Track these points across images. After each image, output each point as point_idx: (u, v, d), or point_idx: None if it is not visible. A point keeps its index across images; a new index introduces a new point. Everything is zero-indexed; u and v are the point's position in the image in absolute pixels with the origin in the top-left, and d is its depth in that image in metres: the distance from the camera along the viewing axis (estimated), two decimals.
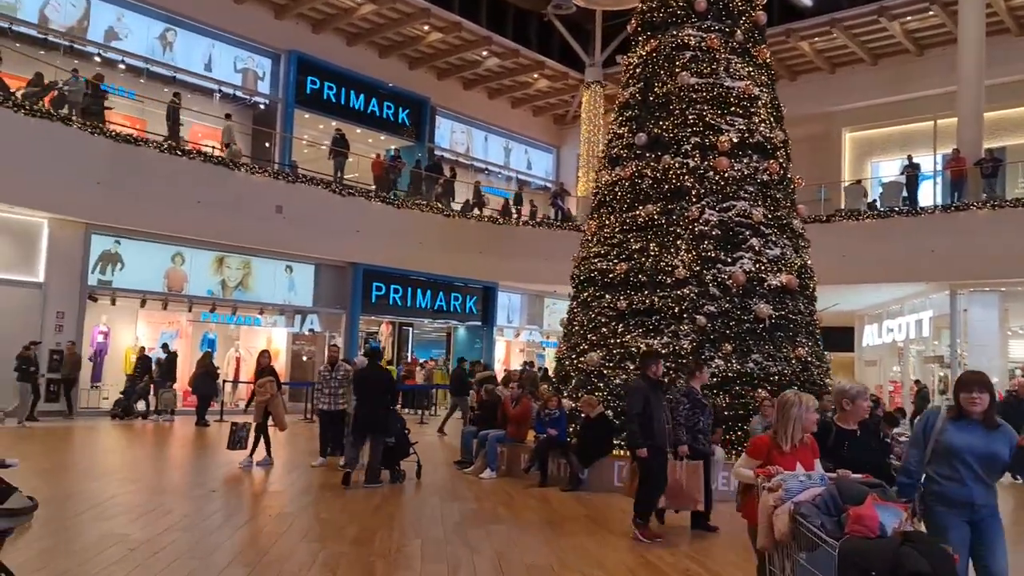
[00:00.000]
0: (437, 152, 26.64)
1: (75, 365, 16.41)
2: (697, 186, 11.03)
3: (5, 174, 14.85)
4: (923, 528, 4.05)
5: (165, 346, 18.01)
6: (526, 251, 23.17)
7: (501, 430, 11.17)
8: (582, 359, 11.31)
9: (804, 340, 10.90)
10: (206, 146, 19.48)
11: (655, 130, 11.51)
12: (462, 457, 11.87)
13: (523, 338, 27.17)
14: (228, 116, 20.37)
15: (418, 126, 26.22)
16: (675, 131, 11.32)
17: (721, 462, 9.59)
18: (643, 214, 11.24)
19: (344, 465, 9.99)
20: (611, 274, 11.33)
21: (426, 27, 24.11)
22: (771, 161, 11.28)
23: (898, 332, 22.93)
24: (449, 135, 27.92)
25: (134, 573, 5.60)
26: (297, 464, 11.48)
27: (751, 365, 10.38)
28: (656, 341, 10.65)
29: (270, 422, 11.32)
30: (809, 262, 11.50)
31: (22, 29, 18.54)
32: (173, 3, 20.54)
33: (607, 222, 11.78)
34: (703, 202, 10.95)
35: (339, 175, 21.43)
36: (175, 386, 17.65)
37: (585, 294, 11.75)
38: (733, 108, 11.30)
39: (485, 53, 25.54)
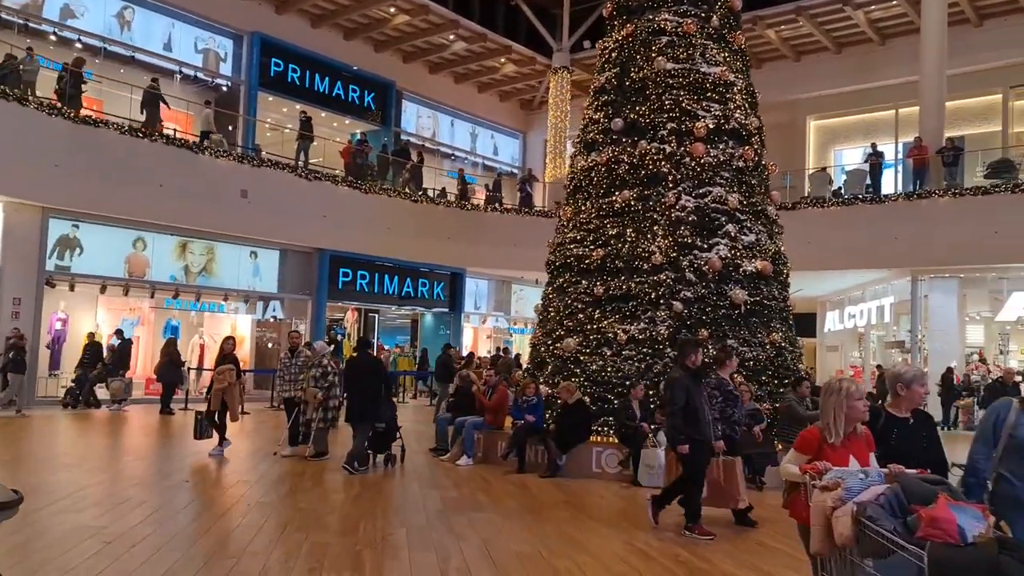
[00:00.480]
0: (403, 137, 26.36)
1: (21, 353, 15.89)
2: (673, 172, 11.03)
3: None
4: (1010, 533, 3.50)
5: (119, 332, 17.53)
6: (494, 237, 23.10)
7: (477, 417, 11.10)
8: (558, 345, 11.28)
9: (778, 326, 10.99)
10: (168, 128, 18.98)
11: (631, 115, 11.47)
12: (437, 444, 11.78)
13: (489, 324, 27.10)
14: (208, 103, 19.97)
15: (384, 110, 25.90)
16: (651, 116, 11.30)
17: None
18: (619, 200, 11.22)
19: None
20: (587, 260, 11.30)
21: (392, 9, 23.78)
22: (746, 147, 11.32)
23: (860, 318, 23.35)
24: (415, 119, 27.62)
25: (114, 567, 5.42)
26: (267, 453, 11.28)
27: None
28: (633, 327, 10.66)
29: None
30: (783, 248, 11.58)
31: None
32: None
33: (583, 208, 11.73)
34: (679, 188, 10.96)
35: (304, 159, 21.07)
36: (128, 374, 17.17)
37: (561, 280, 11.70)
38: (709, 94, 11.31)
39: (452, 37, 25.28)
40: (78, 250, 17.34)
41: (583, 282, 11.31)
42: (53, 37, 19.05)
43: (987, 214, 17.63)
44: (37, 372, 16.44)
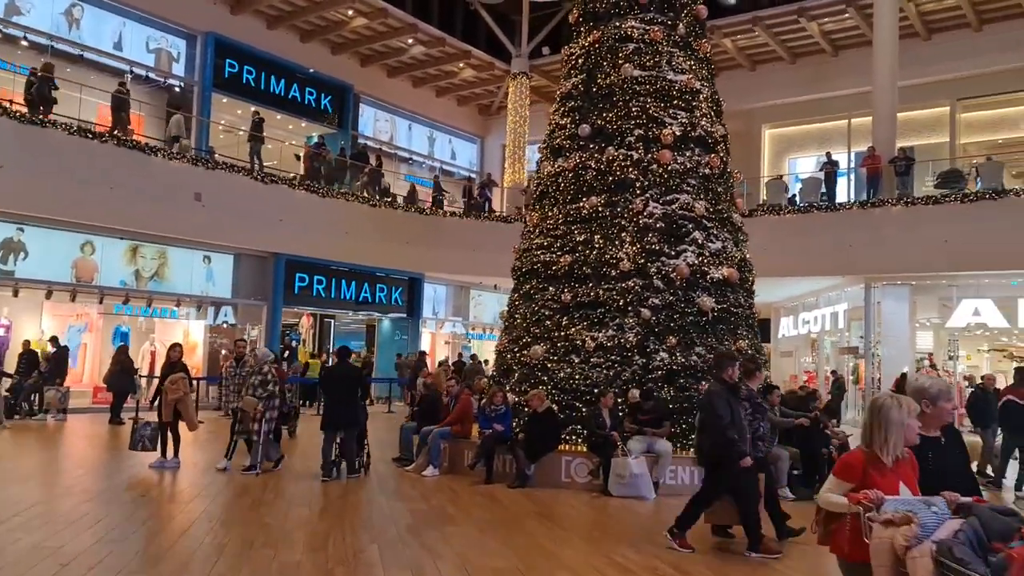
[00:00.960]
0: (360, 140, 26.04)
1: None
2: (641, 178, 11.01)
3: None
4: None
5: (54, 339, 16.81)
6: (453, 242, 22.93)
7: (442, 426, 10.90)
8: (525, 352, 11.16)
9: (744, 332, 11.04)
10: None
11: (598, 121, 11.43)
12: (401, 454, 11.55)
13: (446, 330, 26.87)
14: (177, 108, 19.44)
15: (341, 113, 25.55)
16: (619, 123, 11.27)
17: (669, 456, 9.62)
18: (587, 206, 11.16)
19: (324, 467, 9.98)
20: (555, 266, 11.21)
21: (350, 12, 23.49)
22: (712, 155, 11.36)
23: (814, 324, 23.72)
24: (372, 123, 27.32)
25: None
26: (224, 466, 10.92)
27: (695, 358, 10.44)
28: (601, 334, 10.60)
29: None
30: (748, 255, 11.65)
31: None
32: None
33: (550, 213, 11.65)
34: (647, 194, 10.95)
35: (258, 162, 20.61)
36: (66, 383, 16.38)
37: (528, 286, 11.59)
38: (676, 101, 11.32)
39: (411, 41, 25.06)
40: (23, 254, 16.68)
41: (550, 288, 11.22)
42: None
43: (937, 223, 18.03)
44: None
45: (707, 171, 11.24)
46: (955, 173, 19.50)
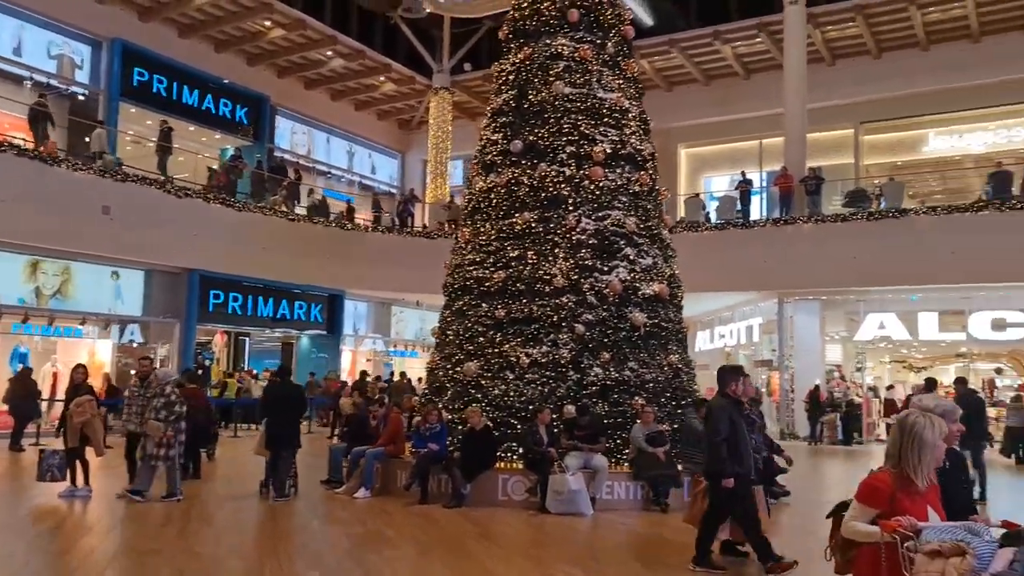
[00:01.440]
0: (277, 153, 25.44)
1: None
2: (573, 195, 11.07)
3: None
4: None
5: None
6: (375, 258, 22.58)
7: (374, 446, 10.64)
8: (458, 369, 11.02)
9: (675, 347, 11.21)
10: (15, 137, 17.41)
11: (530, 137, 11.44)
12: (330, 476, 11.21)
13: (366, 347, 26.37)
14: (101, 123, 18.57)
15: (257, 125, 24.91)
16: (550, 139, 11.32)
17: (605, 471, 9.64)
18: (520, 221, 11.14)
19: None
20: (488, 282, 11.13)
21: (268, 23, 22.97)
22: (642, 172, 11.53)
23: (729, 337, 24.37)
24: (289, 136, 26.73)
25: None
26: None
27: (627, 373, 10.53)
28: (535, 350, 10.58)
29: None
30: (677, 271, 11.85)
31: None
32: None
33: (483, 229, 11.58)
34: (580, 211, 11.01)
35: (167, 174, 19.80)
36: None
37: (460, 303, 11.47)
38: (606, 119, 11.45)
39: (330, 53, 24.68)
40: None
41: (484, 305, 11.14)
42: None
43: (846, 240, 18.81)
44: None
45: (637, 188, 11.40)
46: (861, 193, 20.41)
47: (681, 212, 22.06)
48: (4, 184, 15.51)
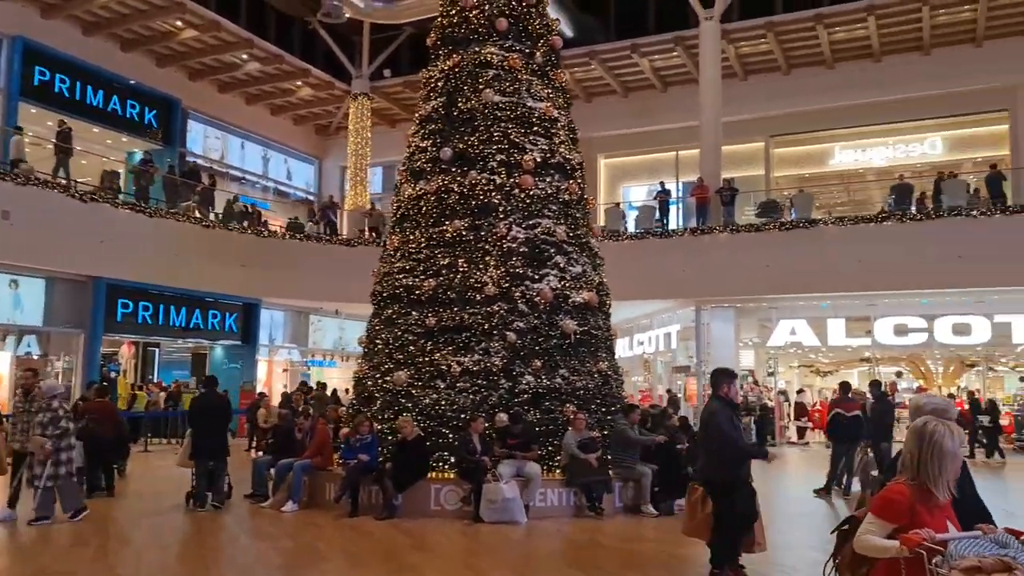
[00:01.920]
0: (189, 158, 24.59)
1: None
2: (504, 203, 11.08)
3: None
4: None
5: None
6: (293, 266, 22.06)
7: (299, 458, 10.36)
8: (388, 379, 10.85)
9: (604, 355, 11.33)
10: None
11: (460, 145, 11.40)
12: (254, 490, 10.85)
13: (281, 357, 25.70)
14: (19, 129, 17.51)
15: (167, 128, 24.02)
16: (481, 147, 11.30)
17: (539, 479, 9.65)
18: (451, 229, 11.07)
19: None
20: (418, 290, 11.01)
21: (179, 23, 22.19)
22: (571, 181, 11.65)
23: (648, 344, 24.84)
24: (202, 140, 25.88)
25: None
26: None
27: (559, 380, 10.58)
28: (467, 359, 10.52)
29: None
30: (605, 279, 11.99)
31: None
32: None
33: (412, 237, 11.45)
34: (510, 219, 11.03)
35: (66, 176, 18.82)
36: None
37: (390, 311, 11.31)
38: (535, 128, 11.52)
39: (245, 56, 24.04)
40: None
41: (414, 313, 11.01)
42: None
43: (759, 250, 19.44)
44: None
45: (567, 197, 11.50)
46: (773, 203, 21.15)
47: (601, 221, 22.37)
48: None
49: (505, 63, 11.72)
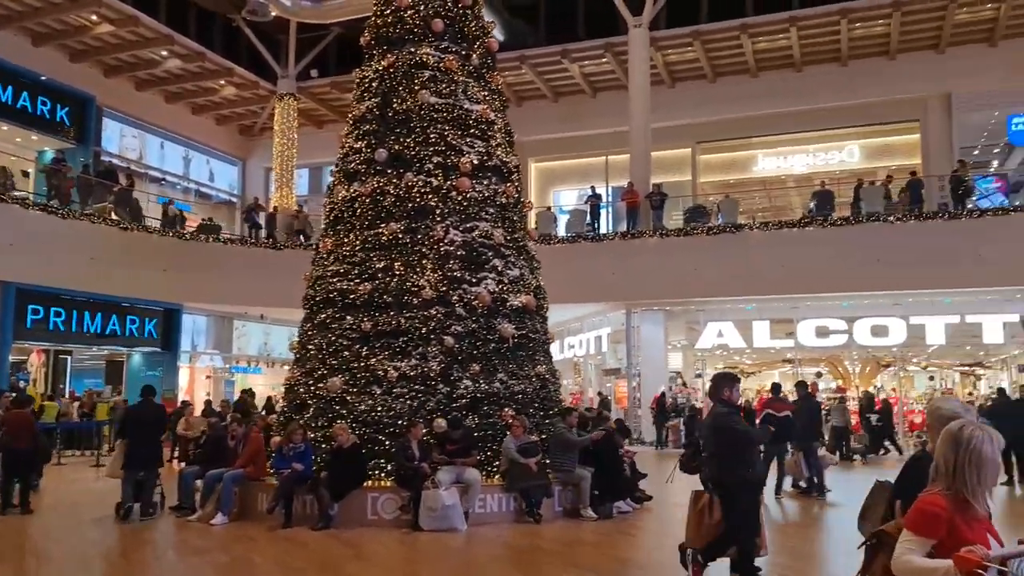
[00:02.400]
0: (105, 157, 23.61)
1: None
2: (441, 206, 10.93)
3: None
4: None
5: None
6: (216, 270, 21.40)
7: (232, 468, 9.98)
8: (321, 385, 10.57)
9: (541, 358, 11.29)
10: None
11: (396, 147, 11.20)
12: (181, 502, 10.40)
13: (203, 364, 24.89)
14: None
15: (80, 127, 23.00)
16: (417, 149, 11.13)
17: (478, 485, 9.52)
18: (387, 232, 10.85)
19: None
20: (353, 294, 10.76)
21: (95, 17, 21.33)
22: (508, 184, 11.57)
23: (579, 347, 24.98)
24: (118, 139, 24.90)
25: None
26: None
27: (497, 384, 10.48)
28: (404, 363, 10.32)
29: None
30: (542, 283, 11.96)
31: None
32: None
33: (346, 240, 11.19)
34: (447, 222, 10.88)
35: None
36: None
37: (323, 315, 11.01)
38: (472, 130, 11.40)
39: (165, 53, 23.24)
40: None
41: (348, 318, 10.75)
42: None
43: (688, 253, 19.81)
44: None
45: (504, 200, 11.41)
46: (700, 209, 21.56)
47: (533, 225, 22.38)
48: None
49: (441, 64, 11.58)
